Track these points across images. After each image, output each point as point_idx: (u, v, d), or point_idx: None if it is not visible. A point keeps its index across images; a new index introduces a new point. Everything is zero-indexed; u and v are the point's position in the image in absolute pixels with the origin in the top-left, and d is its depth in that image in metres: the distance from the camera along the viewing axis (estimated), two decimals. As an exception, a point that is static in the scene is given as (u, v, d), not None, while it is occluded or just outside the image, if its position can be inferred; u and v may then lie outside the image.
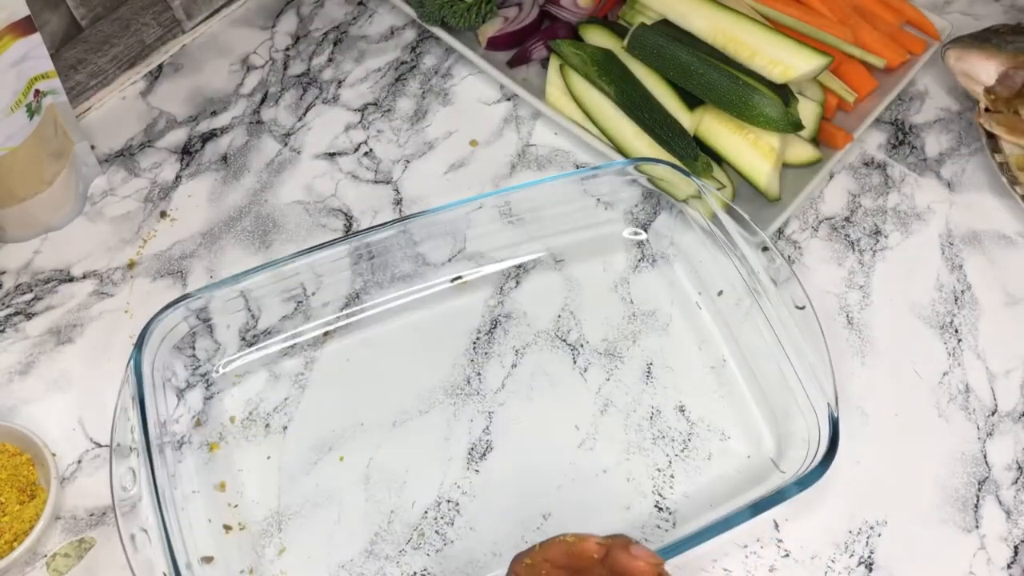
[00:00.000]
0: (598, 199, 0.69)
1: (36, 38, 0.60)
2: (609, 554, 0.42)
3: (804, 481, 0.53)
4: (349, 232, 0.69)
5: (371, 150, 0.74)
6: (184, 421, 0.60)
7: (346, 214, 0.71)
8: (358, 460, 0.59)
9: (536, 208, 0.68)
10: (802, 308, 0.58)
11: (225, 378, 0.62)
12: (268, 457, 0.59)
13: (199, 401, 0.61)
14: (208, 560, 0.55)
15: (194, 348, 0.62)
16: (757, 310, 0.61)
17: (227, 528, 0.57)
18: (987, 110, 0.72)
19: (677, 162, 0.66)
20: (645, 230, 0.69)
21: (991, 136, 0.72)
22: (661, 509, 0.58)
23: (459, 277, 0.66)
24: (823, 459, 0.53)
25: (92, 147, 0.71)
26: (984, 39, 0.73)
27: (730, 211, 0.62)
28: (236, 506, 0.58)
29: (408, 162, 0.73)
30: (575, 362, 0.63)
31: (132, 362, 0.54)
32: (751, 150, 0.68)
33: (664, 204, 0.70)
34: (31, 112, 0.62)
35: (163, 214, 0.70)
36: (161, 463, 0.55)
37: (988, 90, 0.71)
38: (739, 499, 0.58)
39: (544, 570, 0.43)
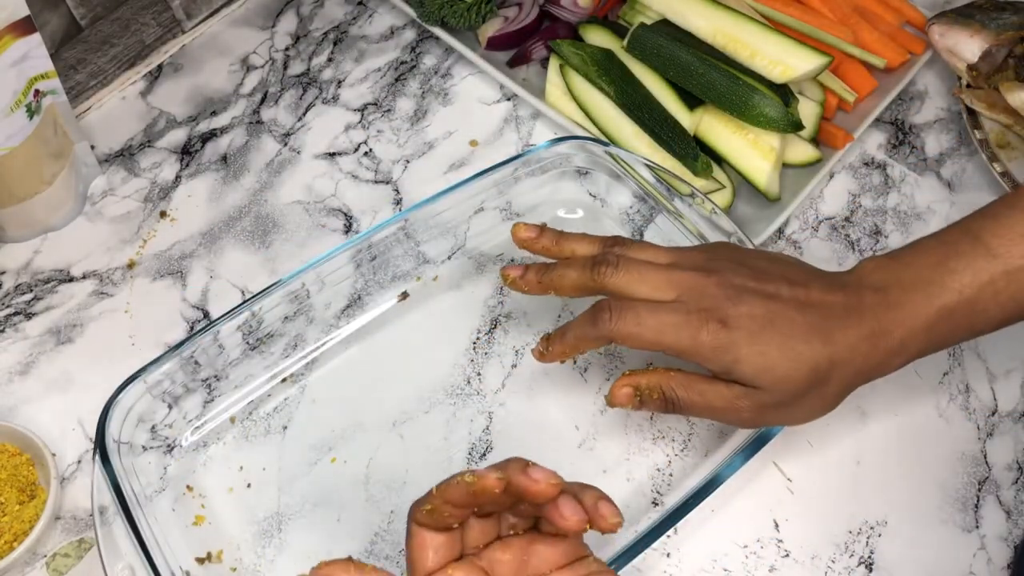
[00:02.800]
0: (595, 196, 0.69)
1: (36, 38, 0.60)
2: (509, 483, 0.40)
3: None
4: (349, 232, 0.69)
5: (371, 150, 0.74)
6: (182, 423, 0.60)
7: (346, 214, 0.71)
8: (358, 460, 0.59)
9: (536, 206, 0.68)
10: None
11: (224, 380, 0.62)
12: (267, 457, 0.59)
13: (198, 404, 0.61)
14: (207, 560, 0.55)
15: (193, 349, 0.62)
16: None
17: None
18: (968, 86, 0.72)
19: (611, 143, 0.66)
20: (643, 231, 0.69)
21: (971, 112, 0.72)
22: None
23: (405, 294, 0.66)
24: None
25: (92, 147, 0.71)
26: (967, 15, 0.73)
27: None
28: (235, 507, 0.58)
29: (408, 162, 0.73)
30: (575, 362, 0.63)
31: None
32: (751, 150, 0.68)
33: (662, 205, 0.70)
34: (31, 112, 0.62)
35: (163, 214, 0.70)
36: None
37: (971, 67, 0.71)
38: (739, 500, 0.58)
39: (447, 512, 0.41)
